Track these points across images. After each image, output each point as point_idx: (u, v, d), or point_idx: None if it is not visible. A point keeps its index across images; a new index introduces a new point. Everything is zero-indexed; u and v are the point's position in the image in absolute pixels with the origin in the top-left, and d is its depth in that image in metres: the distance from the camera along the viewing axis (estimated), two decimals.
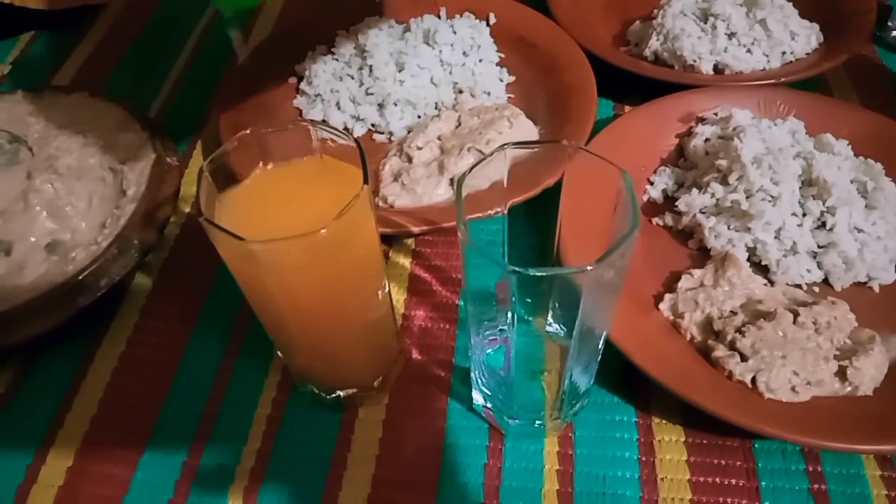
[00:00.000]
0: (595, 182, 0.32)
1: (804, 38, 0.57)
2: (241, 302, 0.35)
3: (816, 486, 0.37)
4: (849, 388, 0.38)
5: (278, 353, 0.43)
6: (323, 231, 0.28)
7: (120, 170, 0.48)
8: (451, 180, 0.50)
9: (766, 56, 0.57)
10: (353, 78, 0.57)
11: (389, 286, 0.39)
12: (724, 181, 0.46)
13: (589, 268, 0.26)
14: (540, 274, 0.27)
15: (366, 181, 0.30)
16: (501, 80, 0.59)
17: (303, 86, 0.58)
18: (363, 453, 0.39)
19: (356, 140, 0.31)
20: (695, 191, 0.47)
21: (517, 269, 0.27)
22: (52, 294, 0.41)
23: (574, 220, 0.38)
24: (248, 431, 0.40)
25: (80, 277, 0.42)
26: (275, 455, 0.39)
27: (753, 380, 0.38)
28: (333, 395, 0.41)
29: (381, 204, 0.51)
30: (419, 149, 0.52)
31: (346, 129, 0.56)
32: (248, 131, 0.32)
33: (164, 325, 0.46)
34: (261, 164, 0.33)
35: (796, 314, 0.39)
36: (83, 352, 0.44)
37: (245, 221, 0.31)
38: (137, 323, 0.46)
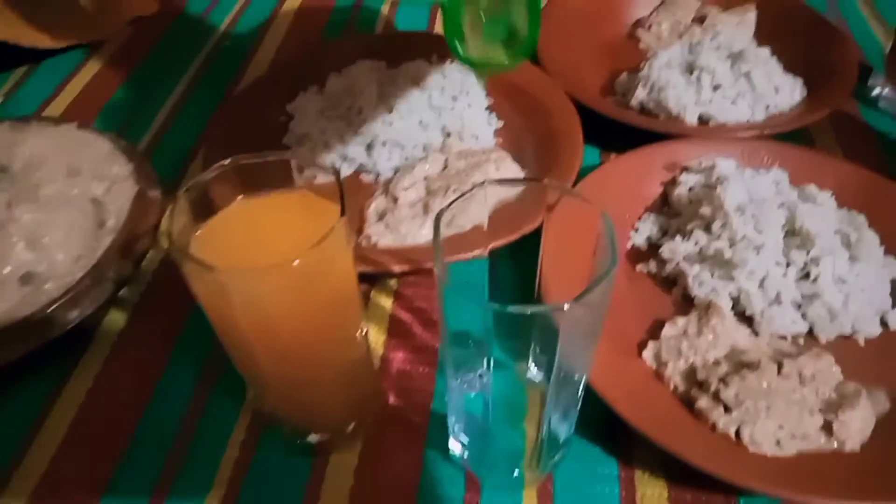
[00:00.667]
0: (576, 224, 0.32)
1: (788, 91, 0.58)
2: (215, 340, 0.34)
3: None
4: (835, 444, 0.36)
5: (249, 394, 0.41)
6: (296, 262, 0.27)
7: (102, 202, 0.48)
8: None
9: (751, 109, 0.58)
10: (341, 118, 0.58)
11: (367, 327, 0.38)
12: (707, 229, 0.46)
13: (566, 306, 0.26)
14: (516, 311, 0.26)
15: (342, 213, 0.29)
16: (490, 125, 0.60)
17: (291, 125, 0.59)
18: (333, 502, 0.38)
19: (334, 169, 0.31)
20: (678, 238, 0.46)
21: (494, 305, 0.26)
22: (21, 325, 0.40)
23: (556, 263, 0.37)
24: (214, 476, 0.39)
25: (51, 310, 0.41)
26: (240, 503, 0.38)
27: (738, 432, 0.37)
28: (305, 440, 0.39)
29: (364, 244, 0.50)
30: (405, 189, 0.52)
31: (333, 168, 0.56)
32: (227, 161, 0.31)
33: (135, 361, 0.44)
34: (240, 197, 0.33)
35: (781, 365, 0.39)
36: (49, 387, 0.43)
37: (219, 253, 0.30)
38: (108, 357, 0.45)
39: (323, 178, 0.32)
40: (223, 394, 0.42)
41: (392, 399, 0.42)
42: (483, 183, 0.31)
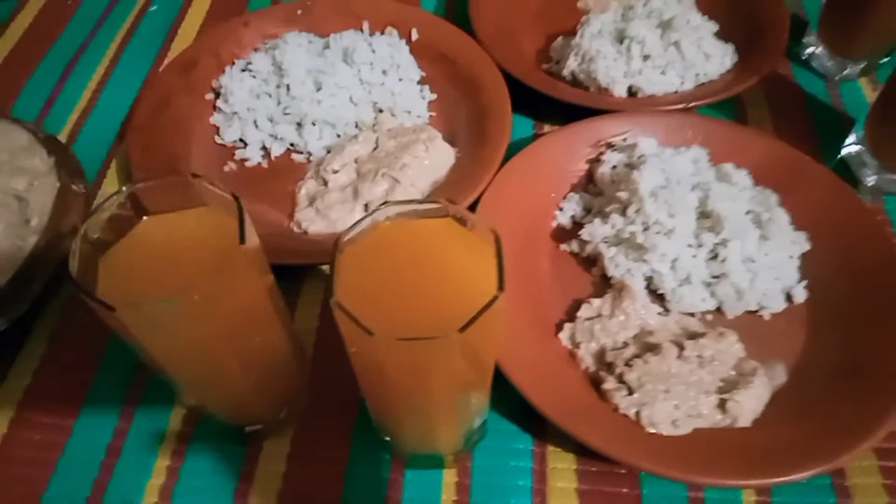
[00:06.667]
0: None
1: (718, 59, 0.58)
2: None
3: None
4: (728, 421, 0.39)
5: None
6: (196, 297, 0.28)
7: (24, 198, 0.47)
8: (366, 206, 0.50)
9: (681, 78, 0.58)
10: (270, 96, 0.57)
11: (291, 324, 0.39)
12: (623, 212, 0.47)
13: (451, 336, 0.27)
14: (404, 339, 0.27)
15: (242, 241, 0.30)
16: (423, 98, 0.59)
17: (219, 103, 0.57)
18: (266, 487, 0.40)
19: (234, 195, 0.31)
20: (597, 220, 0.48)
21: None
22: None
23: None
24: (153, 465, 0.41)
25: None
26: (177, 491, 0.40)
27: (638, 413, 0.39)
28: (238, 429, 0.41)
29: (295, 230, 0.51)
30: (335, 172, 0.52)
31: (264, 147, 0.56)
32: (124, 188, 0.31)
33: (70, 359, 0.46)
34: (145, 218, 0.33)
35: (682, 348, 0.41)
36: None
37: (124, 280, 0.31)
38: (44, 355, 0.46)
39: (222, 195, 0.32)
40: (158, 387, 0.44)
41: (325, 385, 0.44)
42: (384, 204, 0.32)
